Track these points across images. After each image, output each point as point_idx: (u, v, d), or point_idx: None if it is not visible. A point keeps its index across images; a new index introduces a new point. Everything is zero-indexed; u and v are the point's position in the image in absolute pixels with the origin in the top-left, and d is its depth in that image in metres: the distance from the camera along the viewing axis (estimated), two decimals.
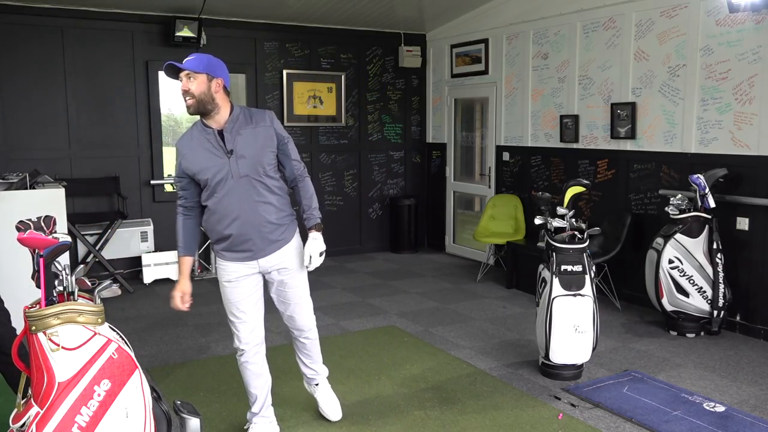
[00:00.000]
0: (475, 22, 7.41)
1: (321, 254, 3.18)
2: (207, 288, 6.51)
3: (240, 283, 3.18)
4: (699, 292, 4.86)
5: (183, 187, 3.19)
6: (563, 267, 4.00)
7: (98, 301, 2.49)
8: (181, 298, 3.18)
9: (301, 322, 3.37)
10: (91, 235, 6.41)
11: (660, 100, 5.52)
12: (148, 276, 6.62)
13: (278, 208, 3.14)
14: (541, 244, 4.31)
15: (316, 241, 3.16)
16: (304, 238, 3.23)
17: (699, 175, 4.84)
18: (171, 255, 6.70)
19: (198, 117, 3.09)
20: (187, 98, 2.99)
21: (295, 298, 3.31)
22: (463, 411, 3.72)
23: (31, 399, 2.37)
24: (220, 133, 3.05)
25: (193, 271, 7.05)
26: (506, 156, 7.22)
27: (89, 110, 6.61)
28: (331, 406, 3.61)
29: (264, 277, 3.26)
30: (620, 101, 5.82)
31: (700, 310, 4.89)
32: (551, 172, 6.66)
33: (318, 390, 3.62)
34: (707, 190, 4.80)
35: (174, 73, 3.01)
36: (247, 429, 3.42)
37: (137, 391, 2.42)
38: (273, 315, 5.34)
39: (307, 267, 3.22)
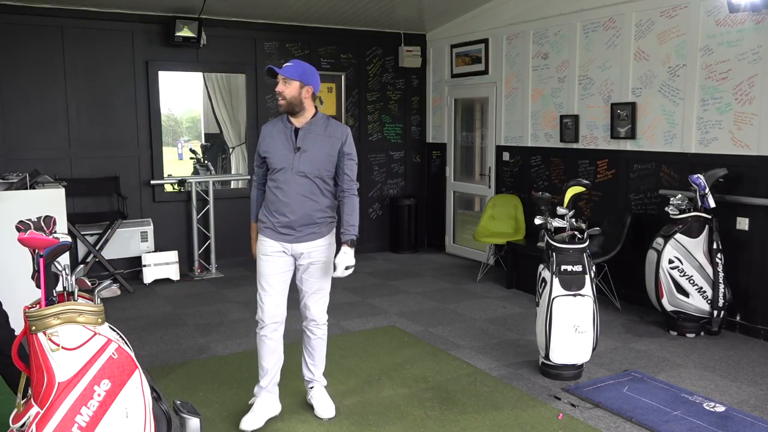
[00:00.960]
0: (475, 22, 7.41)
1: (347, 268, 3.46)
2: (207, 288, 6.51)
3: (274, 258, 3.51)
4: (699, 292, 4.86)
5: (258, 165, 3.63)
6: (563, 267, 4.00)
7: (98, 301, 2.49)
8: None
9: (314, 311, 3.62)
10: (91, 235, 6.41)
11: (660, 100, 5.53)
12: (148, 276, 6.62)
13: (323, 208, 3.51)
14: (541, 244, 4.32)
15: (346, 255, 3.45)
16: (338, 245, 3.55)
17: (699, 175, 4.84)
18: (171, 255, 6.71)
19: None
20: (279, 98, 3.45)
21: (314, 288, 3.58)
22: (463, 411, 3.72)
23: (31, 399, 2.37)
24: (296, 131, 3.47)
25: (192, 271, 7.05)
26: (506, 156, 7.22)
27: (89, 110, 6.61)
28: (323, 407, 3.70)
29: (295, 262, 3.57)
30: (620, 101, 5.82)
31: (700, 310, 4.89)
32: (551, 172, 6.66)
33: (311, 392, 3.77)
34: (707, 190, 4.80)
35: (272, 74, 3.48)
36: (252, 402, 3.63)
37: (137, 391, 2.42)
38: None
39: (333, 274, 3.52)
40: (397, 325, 5.29)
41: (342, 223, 3.53)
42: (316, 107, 3.54)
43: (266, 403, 3.60)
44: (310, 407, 3.75)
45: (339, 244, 3.52)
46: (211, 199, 7.08)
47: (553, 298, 3.98)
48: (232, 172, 7.86)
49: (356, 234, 3.49)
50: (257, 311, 3.57)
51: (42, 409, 2.27)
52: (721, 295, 4.82)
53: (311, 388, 3.76)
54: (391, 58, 8.16)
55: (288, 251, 3.51)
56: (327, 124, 3.54)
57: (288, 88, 3.43)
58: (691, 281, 4.85)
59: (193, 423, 2.99)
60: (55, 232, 2.50)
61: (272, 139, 3.51)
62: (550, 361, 4.07)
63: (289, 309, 3.62)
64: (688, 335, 4.94)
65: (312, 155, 3.44)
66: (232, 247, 7.25)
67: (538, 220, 4.27)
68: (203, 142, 8.92)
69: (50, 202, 4.96)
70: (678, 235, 4.87)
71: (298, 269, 3.57)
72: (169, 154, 8.35)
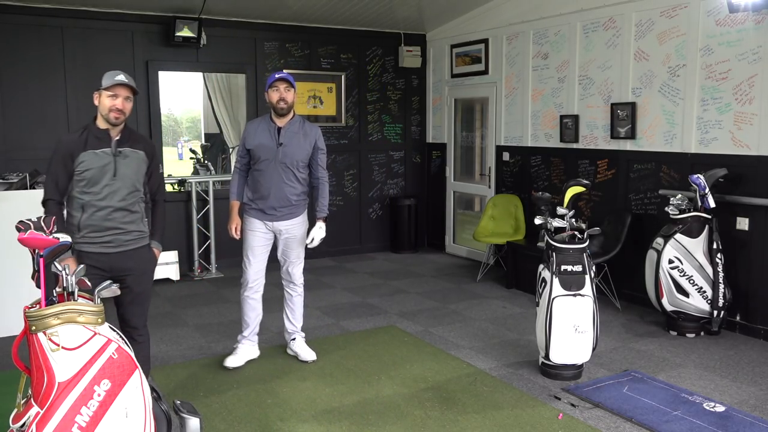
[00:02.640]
0: (475, 22, 7.41)
1: (322, 238, 4.37)
2: (207, 288, 6.51)
3: (258, 233, 4.33)
4: (699, 292, 4.86)
5: (242, 155, 4.36)
6: (563, 267, 4.00)
7: (98, 301, 2.50)
8: (234, 229, 4.35)
9: (295, 275, 4.46)
10: None
11: (660, 100, 5.53)
12: None
13: (298, 192, 4.33)
14: (541, 244, 4.31)
15: (321, 229, 4.37)
16: (312, 221, 4.44)
17: (699, 175, 4.84)
18: (171, 255, 6.70)
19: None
20: (282, 103, 4.17)
21: (293, 257, 4.42)
22: (463, 411, 3.72)
23: (31, 399, 2.37)
24: (279, 129, 4.23)
25: (192, 271, 7.05)
26: (506, 156, 7.22)
27: (89, 110, 6.51)
28: (305, 352, 4.48)
29: (275, 238, 4.38)
30: (620, 101, 5.82)
31: (700, 310, 4.89)
32: (551, 172, 6.66)
33: (294, 343, 4.54)
34: (707, 190, 4.80)
35: (274, 81, 4.19)
36: (236, 347, 4.44)
37: (137, 391, 2.42)
38: (275, 315, 5.33)
39: (308, 244, 4.37)
40: (396, 325, 5.29)
41: (317, 204, 4.40)
42: (294, 111, 4.33)
43: (247, 348, 4.44)
44: (310, 407, 3.75)
45: (312, 222, 4.40)
46: (211, 199, 7.08)
47: (553, 298, 3.98)
48: (232, 172, 7.85)
49: (327, 212, 4.42)
50: (242, 277, 4.40)
51: (42, 409, 2.27)
52: (721, 295, 4.82)
53: (293, 339, 4.53)
54: (391, 58, 8.16)
55: (270, 228, 4.32)
56: (303, 124, 4.32)
57: (289, 95, 4.19)
58: (691, 281, 4.85)
59: (193, 423, 2.99)
60: (55, 232, 2.51)
61: (258, 135, 4.25)
62: (550, 361, 4.07)
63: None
64: (688, 335, 4.94)
65: (291, 149, 4.22)
66: (232, 247, 7.20)
67: (538, 220, 4.27)
68: (203, 142, 8.92)
69: None
70: (678, 235, 4.87)
71: (279, 243, 4.38)
72: (169, 154, 8.36)
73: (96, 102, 3.33)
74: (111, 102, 3.26)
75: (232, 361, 4.35)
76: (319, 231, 4.35)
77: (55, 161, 3.29)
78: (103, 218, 3.27)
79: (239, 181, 4.41)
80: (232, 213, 4.40)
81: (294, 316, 4.53)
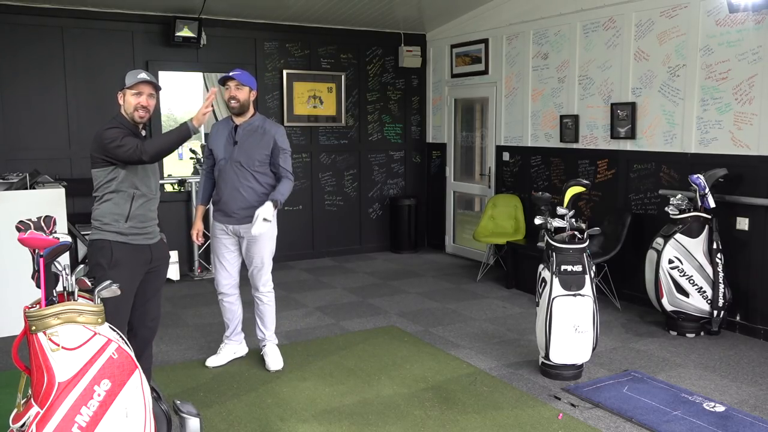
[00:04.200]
0: (475, 22, 7.41)
1: (265, 219, 3.92)
2: (207, 288, 6.51)
3: (221, 238, 4.24)
4: (699, 292, 4.86)
5: (207, 156, 4.29)
6: (563, 267, 4.00)
7: (98, 301, 2.50)
8: (197, 234, 4.29)
9: (258, 281, 4.28)
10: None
11: (660, 100, 5.52)
12: None
13: (258, 194, 4.10)
14: (541, 244, 4.31)
15: (265, 207, 3.91)
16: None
17: (699, 175, 4.84)
18: (171, 255, 6.69)
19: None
20: (233, 101, 4.04)
21: (256, 262, 4.23)
22: (463, 411, 3.72)
23: (31, 399, 2.37)
24: (236, 128, 4.11)
25: (192, 271, 7.05)
26: (506, 156, 7.22)
27: (89, 110, 6.61)
28: (272, 361, 4.33)
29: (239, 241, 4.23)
30: (620, 101, 5.82)
31: (700, 310, 4.89)
32: (551, 172, 6.66)
33: (264, 349, 4.41)
34: (707, 190, 4.80)
35: (223, 81, 4.07)
36: (221, 348, 4.44)
37: (137, 391, 2.43)
38: (276, 315, 5.32)
39: (251, 230, 3.96)
40: (397, 325, 5.29)
41: (274, 190, 4.08)
42: (255, 110, 4.21)
43: (230, 348, 4.44)
44: (310, 408, 3.76)
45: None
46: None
47: (553, 298, 3.98)
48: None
49: (281, 199, 4.03)
50: (215, 282, 4.36)
51: (42, 409, 2.27)
52: (721, 295, 4.82)
53: (264, 345, 4.40)
54: (391, 58, 8.16)
55: (232, 232, 4.19)
56: (263, 122, 4.17)
57: (241, 93, 4.04)
58: (691, 281, 4.85)
59: (193, 423, 2.99)
60: (55, 232, 2.51)
61: (218, 135, 4.19)
62: (550, 361, 4.07)
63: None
64: (688, 335, 4.94)
65: (247, 148, 4.07)
66: None
67: (538, 220, 4.26)
68: (203, 142, 8.91)
69: (50, 202, 4.97)
70: (678, 235, 4.87)
71: (242, 247, 4.23)
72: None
73: (120, 101, 3.35)
74: (136, 100, 3.29)
75: (212, 361, 4.36)
76: (263, 209, 3.87)
77: (124, 134, 3.23)
78: (150, 210, 3.39)
79: (205, 184, 4.32)
80: (195, 218, 4.35)
81: (263, 324, 4.37)
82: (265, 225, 3.91)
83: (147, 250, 3.36)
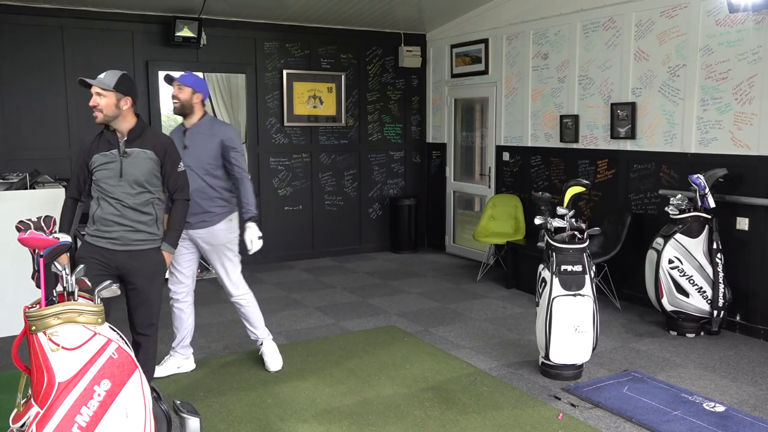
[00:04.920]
0: (475, 22, 7.41)
1: (259, 238, 4.05)
2: (207, 288, 6.51)
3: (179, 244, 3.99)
4: (699, 292, 4.86)
5: None
6: (563, 267, 4.00)
7: (98, 301, 2.50)
8: None
9: (228, 287, 4.21)
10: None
11: (660, 100, 5.53)
12: None
13: (211, 198, 4.04)
14: (541, 244, 4.31)
15: (251, 229, 4.03)
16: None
17: (699, 175, 4.84)
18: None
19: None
20: (174, 101, 4.05)
21: (219, 268, 4.17)
22: (463, 411, 3.72)
23: (31, 399, 2.37)
24: (185, 132, 4.07)
25: None
26: (506, 156, 7.22)
27: (89, 110, 6.48)
28: (270, 360, 4.28)
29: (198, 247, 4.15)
30: (620, 101, 5.82)
31: (700, 310, 4.89)
32: (551, 172, 6.66)
33: (262, 348, 4.33)
34: (707, 190, 4.80)
35: (170, 80, 4.04)
36: (166, 359, 4.29)
37: (137, 391, 2.42)
38: (274, 315, 5.32)
39: (250, 250, 4.05)
40: (397, 325, 5.29)
41: (242, 205, 4.07)
42: (205, 111, 4.12)
43: (173, 361, 4.28)
44: (310, 408, 3.76)
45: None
46: None
47: (553, 298, 3.98)
48: None
49: (255, 212, 4.06)
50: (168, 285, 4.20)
51: (42, 409, 2.27)
52: (721, 295, 4.82)
53: (261, 344, 4.33)
54: (391, 58, 8.16)
55: (188, 237, 4.08)
56: (213, 124, 4.10)
57: (182, 93, 4.01)
58: (691, 281, 4.85)
59: (193, 423, 2.99)
60: (55, 232, 2.51)
61: (174, 140, 4.08)
62: (550, 361, 4.07)
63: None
64: (688, 335, 4.94)
65: (196, 151, 4.00)
66: None
67: (538, 220, 4.27)
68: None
69: (50, 202, 4.97)
70: (678, 235, 4.87)
71: (203, 253, 4.17)
72: None
73: None
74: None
75: (157, 371, 4.08)
76: (250, 231, 4.03)
77: (77, 162, 3.46)
78: (114, 213, 3.32)
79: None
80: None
81: (251, 324, 4.31)
82: (259, 242, 4.06)
83: (110, 255, 3.30)
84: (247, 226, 4.05)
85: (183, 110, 4.04)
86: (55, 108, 6.47)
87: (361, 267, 7.45)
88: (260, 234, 4.08)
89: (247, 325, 4.32)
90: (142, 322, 3.48)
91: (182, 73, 4.07)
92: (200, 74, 4.28)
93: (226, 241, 4.12)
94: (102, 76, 3.29)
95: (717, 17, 5.04)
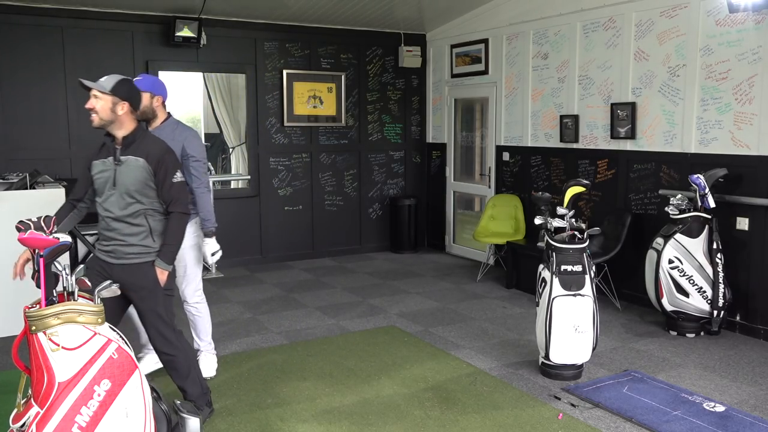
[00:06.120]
0: (475, 22, 7.41)
1: (214, 254, 4.04)
2: (207, 288, 6.49)
3: None
4: (699, 292, 4.86)
5: None
6: (563, 267, 4.00)
7: (98, 301, 2.50)
8: None
9: (184, 292, 4.13)
10: (91, 235, 6.39)
11: (660, 100, 5.53)
12: None
13: None
14: (541, 244, 4.31)
15: (209, 245, 4.03)
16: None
17: (699, 175, 4.84)
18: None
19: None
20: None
21: (180, 272, 4.05)
22: (463, 411, 3.72)
23: (31, 399, 2.37)
24: None
25: None
26: (506, 156, 7.22)
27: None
28: (205, 368, 4.15)
29: None
30: (620, 101, 5.82)
31: (700, 310, 4.89)
32: (551, 172, 6.66)
33: (199, 356, 4.22)
34: (707, 190, 4.80)
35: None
36: (141, 358, 4.22)
37: (137, 390, 2.43)
38: (274, 315, 5.32)
39: (208, 265, 4.13)
40: (397, 325, 5.29)
41: (200, 218, 4.00)
42: (169, 114, 3.98)
43: (151, 357, 4.17)
44: (310, 408, 3.76)
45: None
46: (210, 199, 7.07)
47: (553, 298, 3.98)
48: (232, 172, 7.86)
49: (212, 226, 4.01)
50: None
51: (42, 409, 2.27)
52: (720, 295, 4.82)
53: (200, 352, 4.24)
54: (391, 58, 8.16)
55: None
56: (175, 128, 3.92)
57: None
58: (691, 281, 4.85)
59: (193, 423, 3.00)
60: (55, 232, 2.51)
61: None
62: (550, 361, 4.07)
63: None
64: (688, 335, 4.94)
65: None
66: (232, 247, 7.24)
67: (538, 220, 4.27)
68: (203, 142, 8.91)
69: (50, 202, 4.96)
70: (678, 235, 4.87)
71: None
72: None
73: None
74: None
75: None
76: (208, 247, 4.01)
77: (82, 165, 3.45)
78: (106, 227, 3.28)
79: None
80: None
81: (196, 334, 4.24)
82: (217, 254, 4.07)
83: (109, 268, 3.22)
84: (205, 241, 4.02)
85: (145, 116, 3.80)
86: (55, 108, 6.47)
87: (361, 267, 7.45)
88: (218, 247, 4.06)
89: (193, 332, 4.24)
90: (150, 337, 3.35)
91: (138, 77, 3.81)
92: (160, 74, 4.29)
93: (191, 244, 4.04)
94: (102, 79, 3.22)
95: (717, 17, 5.04)
